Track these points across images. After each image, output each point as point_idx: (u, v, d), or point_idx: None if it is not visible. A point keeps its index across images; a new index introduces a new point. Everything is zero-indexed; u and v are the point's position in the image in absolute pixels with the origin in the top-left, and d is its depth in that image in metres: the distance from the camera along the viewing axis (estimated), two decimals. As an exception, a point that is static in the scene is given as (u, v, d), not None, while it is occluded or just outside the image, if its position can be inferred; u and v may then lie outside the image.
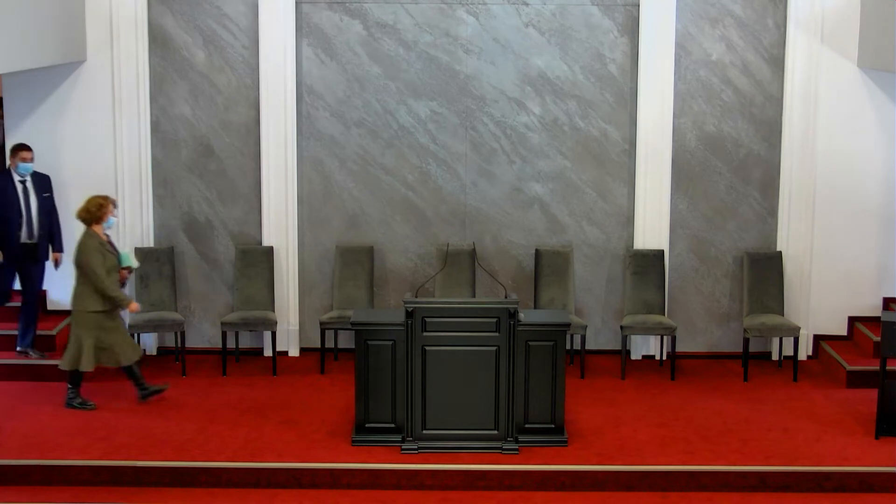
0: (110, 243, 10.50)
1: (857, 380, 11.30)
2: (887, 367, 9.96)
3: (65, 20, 11.36)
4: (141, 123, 11.95)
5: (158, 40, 11.93)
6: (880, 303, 12.19)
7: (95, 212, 10.36)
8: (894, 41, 10.54)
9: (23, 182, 11.13)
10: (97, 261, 10.22)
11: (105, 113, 11.89)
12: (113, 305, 10.41)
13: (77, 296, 10.38)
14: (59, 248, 11.50)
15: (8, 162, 11.12)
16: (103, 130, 11.92)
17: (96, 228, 10.37)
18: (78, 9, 11.67)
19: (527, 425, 9.72)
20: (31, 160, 11.13)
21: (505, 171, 12.12)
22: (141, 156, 12.00)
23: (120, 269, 10.50)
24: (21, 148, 11.11)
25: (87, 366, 10.37)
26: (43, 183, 11.32)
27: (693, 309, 12.31)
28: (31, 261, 11.30)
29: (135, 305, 10.51)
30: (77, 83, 11.86)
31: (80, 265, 10.28)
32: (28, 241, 11.20)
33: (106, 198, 10.45)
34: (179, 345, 11.83)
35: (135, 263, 10.70)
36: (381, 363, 9.66)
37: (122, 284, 10.60)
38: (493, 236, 12.16)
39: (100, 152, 11.95)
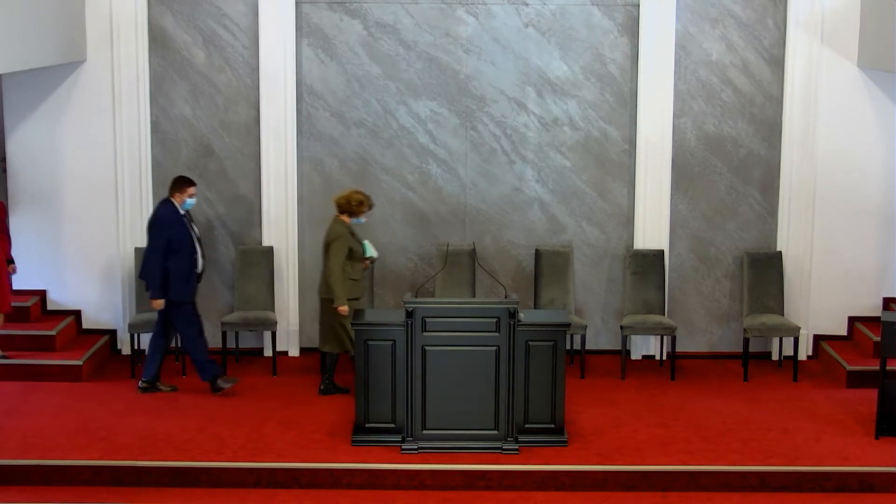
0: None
1: (857, 380, 11.30)
2: (887, 367, 9.95)
3: (65, 20, 11.35)
4: (141, 123, 11.94)
5: (158, 40, 11.92)
6: (880, 303, 12.19)
7: (354, 206, 10.69)
8: (894, 41, 10.53)
9: (184, 215, 10.92)
10: (343, 249, 10.51)
11: (105, 113, 11.89)
12: (327, 295, 10.66)
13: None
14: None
15: (170, 194, 10.90)
16: (103, 130, 11.91)
17: (344, 218, 10.61)
18: (78, 9, 11.67)
19: (527, 425, 9.71)
20: (195, 194, 10.98)
21: (505, 171, 12.12)
22: (141, 156, 11.98)
23: (363, 259, 10.74)
24: (188, 183, 10.86)
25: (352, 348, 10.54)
26: (188, 213, 11.09)
27: (693, 309, 12.31)
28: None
29: (344, 308, 10.61)
30: (77, 83, 11.85)
31: (329, 249, 10.58)
32: (200, 272, 11.12)
33: (368, 198, 10.72)
34: (179, 345, 11.75)
35: (375, 254, 10.88)
36: (381, 363, 9.66)
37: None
38: (493, 236, 12.17)
39: (100, 152, 11.95)
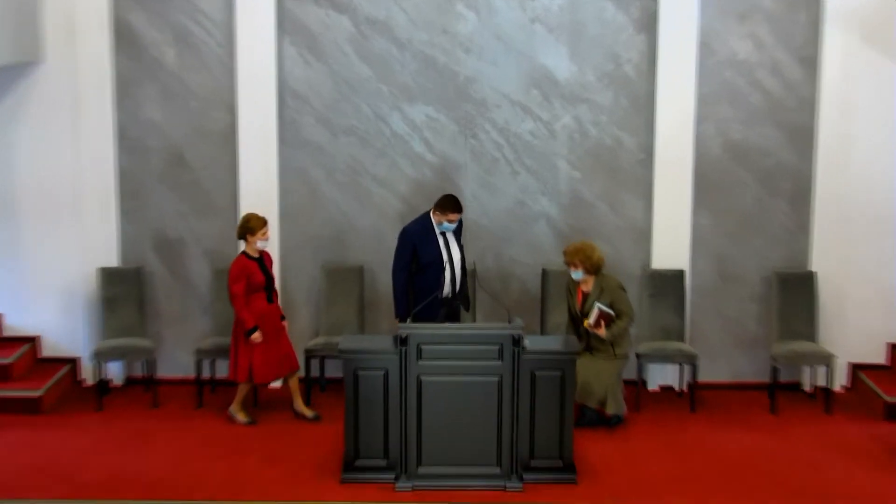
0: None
1: (896, 412, 11.26)
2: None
3: (17, 16, 11.40)
4: (105, 130, 12.13)
5: (125, 38, 12.12)
6: (923, 328, 12.14)
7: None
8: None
9: (441, 233, 11.16)
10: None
11: (65, 119, 12.06)
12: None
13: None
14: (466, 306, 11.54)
15: (432, 209, 11.20)
16: (63, 138, 12.07)
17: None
18: (32, 4, 11.73)
19: (532, 462, 9.92)
20: (457, 221, 11.18)
21: (508, 183, 12.35)
22: (105, 166, 12.19)
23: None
24: (453, 209, 11.10)
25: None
26: (458, 229, 11.37)
27: (716, 335, 12.53)
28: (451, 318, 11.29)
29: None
30: (34, 86, 12.01)
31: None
32: (447, 297, 11.24)
33: (568, 254, 11.21)
34: (149, 374, 12.08)
35: (590, 320, 11.17)
36: (372, 394, 9.81)
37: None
38: (495, 254, 12.33)
39: (59, 163, 12.13)
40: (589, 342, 11.09)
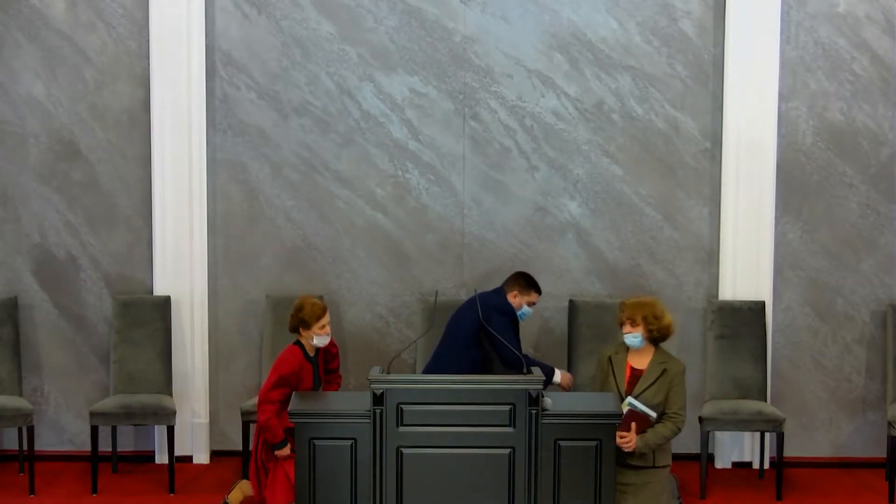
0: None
1: None
2: None
3: None
4: (-36, 110, 12.16)
5: (-7, -17, 12.19)
6: None
7: None
8: None
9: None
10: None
11: None
12: None
13: None
14: None
15: (507, 288, 10.69)
16: None
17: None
18: None
19: (559, 568, 9.71)
20: (535, 305, 11.00)
21: (523, 182, 11.79)
22: (-34, 159, 12.20)
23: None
24: (537, 287, 10.65)
25: None
26: None
27: (810, 391, 11.92)
28: None
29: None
30: None
31: None
32: None
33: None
34: (25, 447, 11.30)
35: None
36: (334, 473, 9.03)
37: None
38: (503, 280, 11.48)
39: None
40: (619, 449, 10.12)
